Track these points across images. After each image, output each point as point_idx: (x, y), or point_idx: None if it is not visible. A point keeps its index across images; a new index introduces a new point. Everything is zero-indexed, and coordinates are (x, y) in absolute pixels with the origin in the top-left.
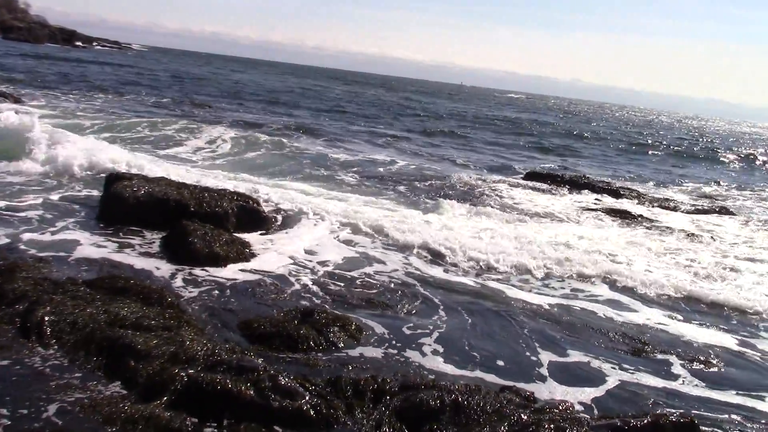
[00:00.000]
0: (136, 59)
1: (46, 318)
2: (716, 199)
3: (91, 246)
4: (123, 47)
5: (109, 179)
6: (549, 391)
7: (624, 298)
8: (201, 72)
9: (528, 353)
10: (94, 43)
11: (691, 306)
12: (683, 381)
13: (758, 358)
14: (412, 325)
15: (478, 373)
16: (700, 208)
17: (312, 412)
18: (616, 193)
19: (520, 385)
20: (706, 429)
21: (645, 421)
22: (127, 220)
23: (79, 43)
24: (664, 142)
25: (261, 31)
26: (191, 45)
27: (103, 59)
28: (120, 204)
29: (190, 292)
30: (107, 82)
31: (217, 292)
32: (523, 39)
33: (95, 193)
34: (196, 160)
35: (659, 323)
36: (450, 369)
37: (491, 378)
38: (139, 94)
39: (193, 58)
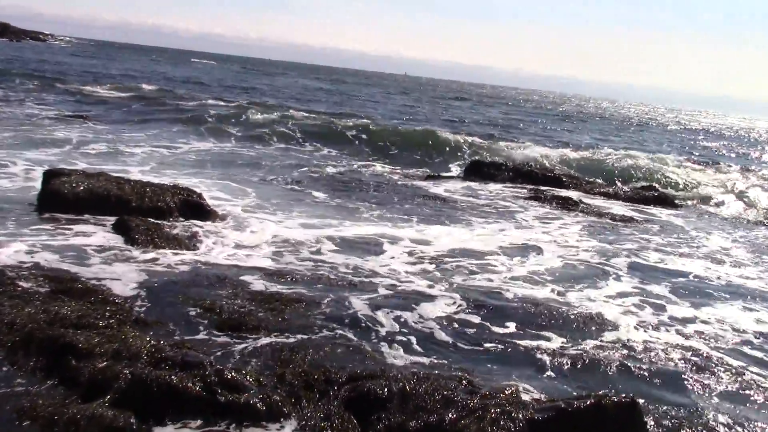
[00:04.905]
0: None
1: None
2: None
3: (26, 243)
4: (43, 39)
5: (47, 175)
6: None
7: None
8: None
9: None
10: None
11: None
12: None
13: None
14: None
15: None
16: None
17: (260, 406)
18: (558, 182)
19: None
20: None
21: (588, 403)
22: (67, 215)
23: None
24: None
25: (202, 23)
26: (130, 38)
27: None
28: (58, 201)
29: (132, 286)
30: None
31: (162, 284)
32: (466, 29)
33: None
34: None
35: None
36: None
37: None
38: None
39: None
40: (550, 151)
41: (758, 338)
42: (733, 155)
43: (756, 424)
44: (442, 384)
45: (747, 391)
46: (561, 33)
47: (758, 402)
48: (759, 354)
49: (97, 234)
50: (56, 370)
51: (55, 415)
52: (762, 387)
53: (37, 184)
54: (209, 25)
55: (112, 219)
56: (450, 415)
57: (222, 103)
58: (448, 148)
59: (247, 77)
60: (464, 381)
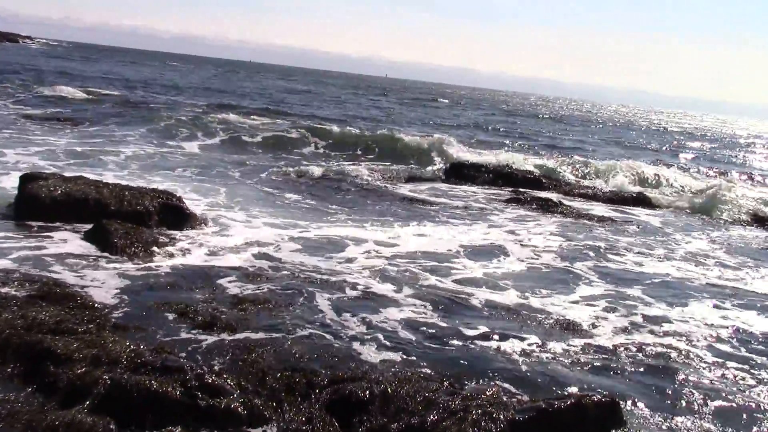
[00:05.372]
0: None
1: None
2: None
3: (3, 248)
4: (14, 41)
5: (24, 179)
6: None
7: None
8: None
9: None
10: None
11: None
12: None
13: None
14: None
15: None
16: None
17: (241, 410)
18: (538, 183)
19: None
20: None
21: (568, 403)
22: (44, 221)
23: None
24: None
25: (182, 24)
26: (108, 40)
27: None
28: (35, 205)
29: (111, 290)
30: None
31: (140, 288)
32: (448, 32)
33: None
34: None
35: None
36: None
37: None
38: None
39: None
40: (527, 157)
41: (733, 336)
42: (714, 156)
43: (733, 420)
44: (423, 385)
45: (723, 388)
46: (542, 36)
47: (735, 399)
48: (734, 351)
49: (75, 238)
50: (34, 376)
51: (33, 422)
52: (738, 384)
53: (8, 185)
54: (188, 27)
55: (90, 223)
56: (431, 417)
57: (196, 106)
58: (427, 151)
59: (220, 80)
60: (446, 382)
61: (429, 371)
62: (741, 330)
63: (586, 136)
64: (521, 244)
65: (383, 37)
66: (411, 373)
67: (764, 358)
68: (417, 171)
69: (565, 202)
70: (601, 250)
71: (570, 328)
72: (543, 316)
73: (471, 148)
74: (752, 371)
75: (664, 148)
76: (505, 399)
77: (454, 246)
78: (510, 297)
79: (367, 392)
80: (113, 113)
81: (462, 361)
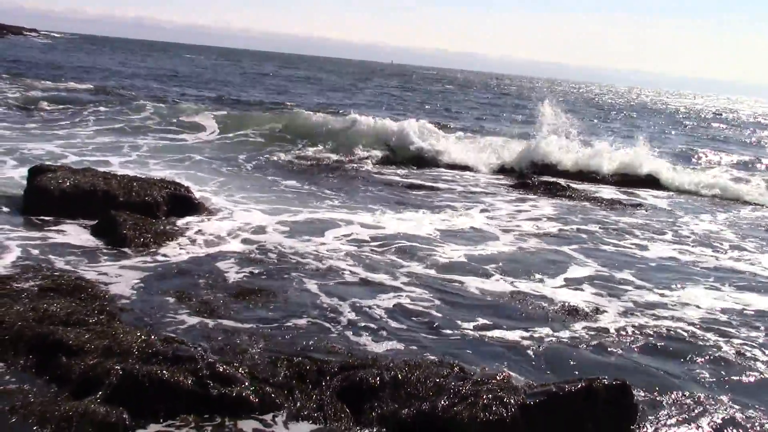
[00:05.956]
0: None
1: None
2: None
3: (14, 241)
4: (18, 34)
5: (33, 171)
6: None
7: None
8: None
9: None
10: None
11: None
12: None
13: None
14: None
15: None
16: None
17: (253, 398)
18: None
19: None
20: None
21: (579, 386)
22: (53, 213)
23: None
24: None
25: (185, 13)
26: (113, 31)
27: None
28: (44, 197)
29: (121, 281)
30: None
31: (150, 279)
32: (452, 16)
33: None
34: None
35: None
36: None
37: None
38: None
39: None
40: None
41: (734, 317)
42: (720, 137)
43: (736, 400)
44: (433, 371)
45: (727, 368)
46: (546, 19)
47: (736, 379)
48: (735, 332)
49: (84, 230)
50: (47, 368)
51: (46, 413)
52: (740, 364)
53: (16, 175)
54: (192, 17)
55: (99, 215)
56: (442, 402)
57: (199, 96)
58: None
59: (223, 69)
60: (456, 368)
61: (435, 357)
62: (748, 313)
63: (601, 122)
64: (528, 230)
65: (387, 23)
66: (420, 359)
67: None
68: (419, 156)
69: (573, 186)
70: (598, 234)
71: (572, 312)
72: (543, 301)
73: (475, 134)
74: (760, 351)
75: (673, 129)
76: (515, 383)
77: (452, 231)
78: (512, 282)
79: (378, 378)
80: (117, 105)
81: (466, 350)
